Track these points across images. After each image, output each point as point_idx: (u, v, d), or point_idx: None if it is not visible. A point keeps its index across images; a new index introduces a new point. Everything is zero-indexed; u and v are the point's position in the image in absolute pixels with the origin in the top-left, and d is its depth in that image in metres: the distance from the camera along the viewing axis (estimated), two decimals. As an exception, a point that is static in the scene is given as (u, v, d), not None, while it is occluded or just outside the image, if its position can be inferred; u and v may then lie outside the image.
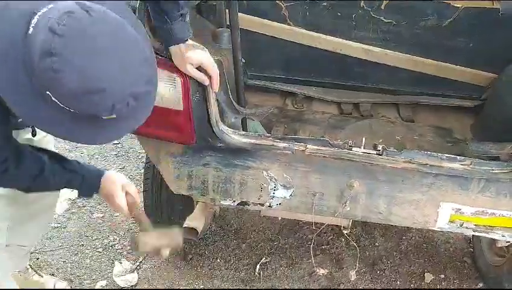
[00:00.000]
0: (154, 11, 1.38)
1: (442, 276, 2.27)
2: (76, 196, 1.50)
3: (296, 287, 2.18)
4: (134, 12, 1.47)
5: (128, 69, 0.92)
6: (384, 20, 2.02)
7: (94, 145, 2.99)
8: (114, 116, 0.94)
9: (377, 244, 2.44)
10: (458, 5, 1.91)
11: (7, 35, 0.92)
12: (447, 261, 2.35)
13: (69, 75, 0.87)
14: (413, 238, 2.49)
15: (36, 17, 0.90)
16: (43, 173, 1.33)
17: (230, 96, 1.67)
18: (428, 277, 2.26)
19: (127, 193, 1.45)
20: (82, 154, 2.94)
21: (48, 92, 0.90)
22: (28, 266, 1.97)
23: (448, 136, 2.06)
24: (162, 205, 2.03)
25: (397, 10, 1.99)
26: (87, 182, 1.41)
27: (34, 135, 1.45)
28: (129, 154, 2.99)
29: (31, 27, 0.89)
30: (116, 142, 3.07)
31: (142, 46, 0.97)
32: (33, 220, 1.72)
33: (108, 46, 0.90)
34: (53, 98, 0.90)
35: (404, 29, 2.03)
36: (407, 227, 2.50)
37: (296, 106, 2.27)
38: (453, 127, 2.13)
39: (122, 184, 1.44)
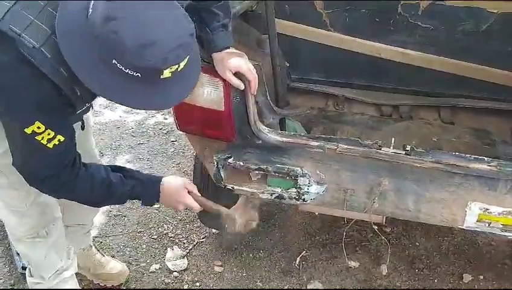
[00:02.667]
0: (196, 23, 1.54)
1: (481, 277, 2.28)
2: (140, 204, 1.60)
3: (334, 280, 2.28)
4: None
5: (174, 23, 1.09)
6: (422, 25, 2.08)
7: (153, 143, 3.27)
8: (169, 74, 1.09)
9: (417, 243, 2.48)
10: (494, 10, 1.94)
11: (74, 21, 1.09)
12: (487, 263, 2.36)
13: (126, 33, 1.02)
14: (455, 239, 2.51)
15: (92, 2, 1.06)
16: (110, 178, 1.43)
17: (269, 98, 1.82)
18: (467, 278, 2.28)
19: (189, 192, 1.59)
20: (143, 150, 3.21)
21: (114, 61, 1.05)
22: (92, 244, 2.20)
23: (485, 138, 2.08)
24: (209, 197, 2.20)
25: (434, 16, 2.04)
26: (149, 189, 1.51)
27: (83, 128, 1.60)
28: (185, 151, 3.22)
29: (90, 9, 1.06)
30: (173, 139, 3.32)
31: (179, 4, 1.14)
32: None
33: (156, 5, 1.06)
34: (118, 66, 1.06)
35: (442, 34, 2.08)
36: (449, 228, 2.54)
37: (336, 108, 2.38)
38: (492, 130, 2.14)
39: (184, 184, 1.58)
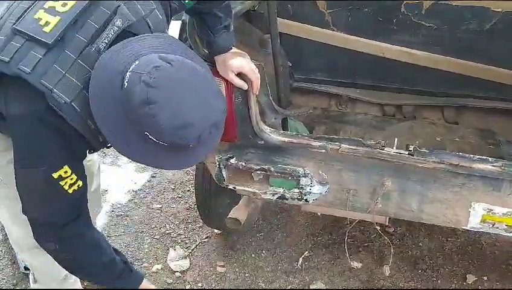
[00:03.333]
0: (198, 25, 1.55)
1: (485, 278, 2.27)
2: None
3: (336, 281, 2.27)
4: (184, 28, 1.66)
5: (208, 103, 1.12)
6: (425, 24, 2.06)
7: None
8: (195, 143, 1.11)
9: (420, 244, 2.47)
10: (498, 9, 1.92)
11: (108, 88, 1.11)
12: (491, 264, 2.34)
13: (163, 117, 1.05)
14: (458, 240, 2.49)
15: (128, 73, 1.08)
16: (109, 251, 1.42)
17: (271, 98, 1.81)
18: (470, 278, 2.27)
19: None
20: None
21: (145, 133, 1.08)
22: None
23: (490, 138, 2.06)
24: (211, 197, 2.21)
25: (437, 15, 2.03)
26: (133, 279, 1.49)
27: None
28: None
29: (125, 82, 1.08)
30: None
31: (211, 80, 1.17)
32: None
33: (190, 88, 1.10)
34: (150, 137, 1.09)
35: (445, 33, 2.06)
36: (453, 229, 2.53)
37: (339, 107, 2.37)
38: (497, 130, 2.13)
39: None
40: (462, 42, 2.07)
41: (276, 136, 1.72)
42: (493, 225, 1.65)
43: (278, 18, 1.84)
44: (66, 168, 1.23)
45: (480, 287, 2.23)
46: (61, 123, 1.17)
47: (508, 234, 1.67)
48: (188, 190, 2.81)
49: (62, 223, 1.31)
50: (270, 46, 1.91)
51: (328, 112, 2.32)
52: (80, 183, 1.28)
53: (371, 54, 2.23)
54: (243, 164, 1.78)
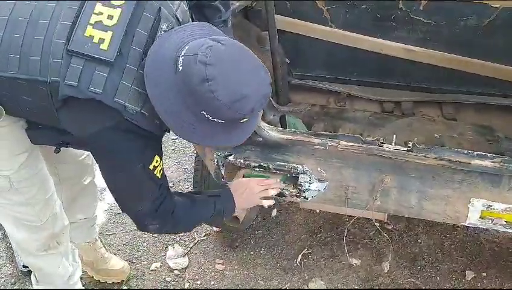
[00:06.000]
0: (198, 19, 1.55)
1: (484, 274, 2.27)
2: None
3: (335, 278, 2.27)
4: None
5: (259, 76, 1.19)
6: (424, 20, 2.06)
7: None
8: (247, 118, 1.20)
9: (419, 241, 2.47)
10: (497, 5, 1.92)
11: (162, 74, 1.18)
12: (490, 260, 2.34)
13: (222, 92, 1.12)
14: (458, 236, 2.49)
15: (180, 58, 1.15)
16: (193, 198, 1.56)
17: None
18: (469, 275, 2.27)
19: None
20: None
21: (202, 112, 1.16)
22: (97, 238, 2.20)
23: (488, 135, 2.06)
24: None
25: (436, 11, 2.02)
26: (226, 199, 1.61)
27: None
28: (185, 150, 3.21)
29: (179, 66, 1.15)
30: (174, 137, 3.30)
31: (255, 56, 1.22)
32: (83, 193, 1.95)
33: (242, 63, 1.18)
34: (206, 115, 1.16)
35: (444, 29, 2.06)
36: (452, 225, 2.53)
37: (338, 104, 2.36)
38: (496, 126, 2.13)
39: (247, 179, 1.68)
40: (460, 38, 2.06)
41: (274, 133, 1.71)
42: (492, 221, 1.65)
43: (276, 15, 1.84)
44: (156, 157, 1.33)
45: (479, 284, 2.24)
46: (136, 128, 1.25)
47: (507, 230, 1.67)
48: (187, 188, 2.81)
49: (159, 204, 1.40)
50: (268, 43, 1.91)
51: (327, 109, 2.32)
52: (162, 163, 1.38)
53: (369, 51, 2.22)
54: (242, 161, 1.78)
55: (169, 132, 1.34)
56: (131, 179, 1.35)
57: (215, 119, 1.17)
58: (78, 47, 1.20)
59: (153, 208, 1.40)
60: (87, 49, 1.19)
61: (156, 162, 1.34)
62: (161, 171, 1.38)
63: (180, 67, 1.14)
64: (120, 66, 1.21)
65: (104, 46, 1.20)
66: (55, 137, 1.44)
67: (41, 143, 1.51)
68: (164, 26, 1.26)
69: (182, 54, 1.15)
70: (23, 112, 1.36)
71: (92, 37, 1.20)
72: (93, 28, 1.21)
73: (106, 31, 1.21)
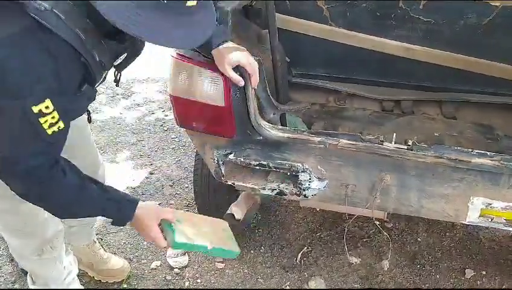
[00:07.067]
0: None
1: (484, 273, 2.27)
2: (109, 221, 1.51)
3: (335, 277, 2.27)
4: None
5: None
6: (423, 19, 2.06)
7: (154, 140, 3.26)
8: (195, 3, 1.05)
9: (419, 239, 2.48)
10: (497, 4, 1.92)
11: None
12: (490, 259, 2.35)
13: None
14: (457, 235, 2.50)
15: None
16: (85, 186, 1.30)
17: (269, 94, 1.81)
18: (469, 273, 2.27)
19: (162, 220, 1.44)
20: (143, 147, 3.20)
21: None
22: (95, 240, 2.20)
23: (488, 133, 2.06)
24: (210, 193, 2.21)
25: (435, 10, 2.02)
26: (122, 210, 1.39)
27: (90, 120, 1.53)
28: (186, 148, 3.22)
29: None
30: (173, 136, 3.31)
31: None
32: None
33: None
34: None
35: (444, 28, 2.06)
36: (452, 224, 2.54)
37: (338, 103, 2.36)
38: (496, 124, 2.13)
39: (156, 213, 1.43)
40: (460, 37, 2.06)
41: (274, 132, 1.71)
42: (492, 219, 1.66)
43: (276, 13, 1.84)
44: (48, 102, 1.10)
45: (478, 282, 2.24)
46: (50, 40, 1.07)
47: (507, 228, 1.68)
48: (187, 187, 2.81)
49: (32, 166, 1.17)
50: (269, 42, 1.90)
51: (327, 108, 2.32)
52: (61, 125, 1.15)
53: (369, 49, 2.22)
54: (242, 159, 1.78)
55: (107, 69, 1.18)
56: (6, 113, 1.11)
57: None
58: None
59: (29, 164, 1.16)
60: None
61: (46, 108, 1.10)
62: (53, 128, 1.13)
63: None
64: None
65: None
66: None
67: None
68: None
69: None
70: None
71: None
72: None
73: None
